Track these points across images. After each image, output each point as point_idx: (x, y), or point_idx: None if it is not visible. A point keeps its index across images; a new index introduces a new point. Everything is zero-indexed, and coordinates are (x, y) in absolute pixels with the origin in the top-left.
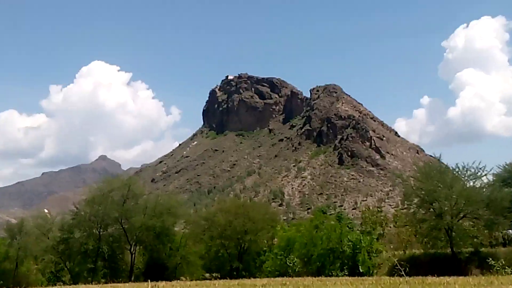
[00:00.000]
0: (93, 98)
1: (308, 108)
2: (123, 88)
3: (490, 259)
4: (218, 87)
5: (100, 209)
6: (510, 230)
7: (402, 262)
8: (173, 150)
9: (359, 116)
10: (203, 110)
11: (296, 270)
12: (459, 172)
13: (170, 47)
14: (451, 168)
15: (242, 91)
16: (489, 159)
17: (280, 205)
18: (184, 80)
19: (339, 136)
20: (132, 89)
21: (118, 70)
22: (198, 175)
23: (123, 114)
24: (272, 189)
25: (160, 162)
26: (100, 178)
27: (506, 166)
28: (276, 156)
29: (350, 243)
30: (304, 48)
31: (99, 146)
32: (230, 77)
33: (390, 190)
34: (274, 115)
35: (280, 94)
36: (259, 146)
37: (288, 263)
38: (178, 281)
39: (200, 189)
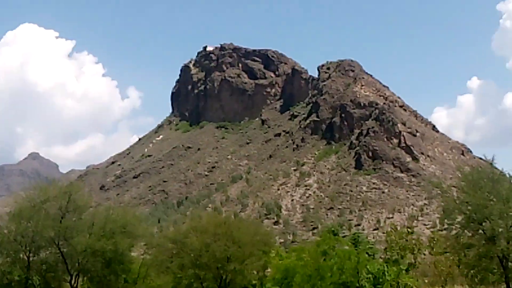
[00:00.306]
0: (21, 75)
1: (315, 91)
2: (62, 61)
3: None
4: (193, 62)
5: (29, 226)
6: None
7: None
8: (130, 146)
9: (384, 103)
10: (172, 92)
11: None
12: None
13: (128, 6)
14: (507, 176)
15: (225, 68)
16: None
17: (276, 223)
18: (147, 51)
19: (357, 131)
20: (76, 62)
21: (57, 37)
22: (164, 181)
23: (63, 97)
24: (265, 201)
25: (113, 163)
26: (30, 184)
27: None
28: (270, 156)
29: (370, 275)
30: (310, 10)
31: (28, 140)
32: (210, 49)
33: (425, 204)
34: (268, 101)
35: (277, 73)
36: (248, 143)
37: None
38: None
39: (167, 200)
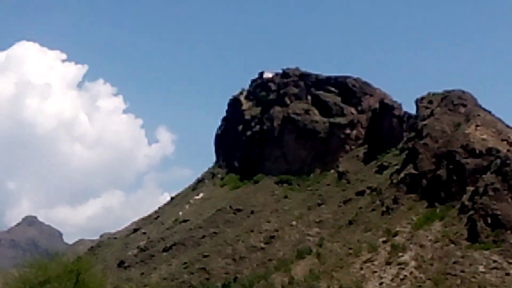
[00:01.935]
0: (15, 112)
1: (413, 134)
2: (70, 93)
3: None
4: (245, 94)
5: None
6: None
7: None
8: (159, 209)
9: (509, 150)
10: (217, 135)
11: None
12: None
13: (156, 22)
14: None
15: (289, 101)
16: None
17: None
18: (182, 79)
19: (470, 188)
20: (88, 95)
21: (64, 60)
22: (205, 256)
23: (69, 141)
24: (344, 284)
25: (136, 230)
26: (24, 259)
27: None
28: (351, 222)
29: None
30: (403, 25)
31: (23, 199)
32: (268, 75)
33: None
34: (348, 147)
35: (360, 108)
36: (320, 204)
37: None
38: None
39: (209, 283)
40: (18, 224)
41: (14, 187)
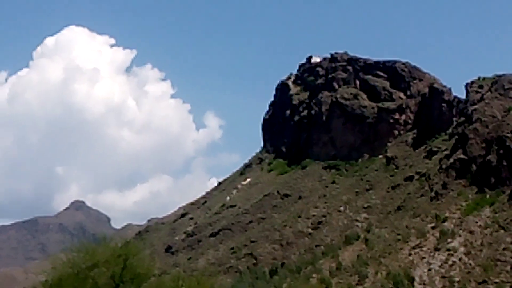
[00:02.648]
0: (64, 97)
1: (463, 119)
2: (119, 77)
3: None
4: (293, 78)
5: None
6: None
7: None
8: (207, 194)
9: None
10: (264, 120)
11: None
12: None
13: (204, 5)
14: None
15: (337, 86)
16: None
17: None
18: (230, 64)
19: None
20: (136, 79)
21: (112, 45)
22: (252, 242)
23: (118, 126)
24: (392, 270)
25: (183, 215)
26: (72, 244)
27: None
28: (399, 208)
29: None
30: (451, 7)
31: (71, 184)
32: (316, 60)
33: None
34: (397, 132)
35: (409, 93)
36: (368, 190)
37: None
38: None
39: (257, 268)
40: (67, 208)
41: (62, 172)
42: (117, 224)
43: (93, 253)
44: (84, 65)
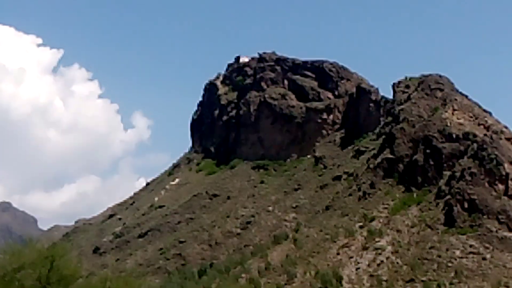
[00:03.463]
0: None
1: (390, 119)
2: (45, 77)
3: None
4: (221, 78)
5: None
6: None
7: None
8: (135, 194)
9: (485, 135)
10: (193, 120)
11: None
12: None
13: (132, 5)
14: None
15: (265, 86)
16: None
17: None
18: (158, 64)
19: (447, 173)
20: (63, 79)
21: (39, 45)
22: (181, 242)
23: (44, 126)
24: (320, 269)
25: (111, 216)
26: None
27: None
28: (327, 208)
29: None
30: (380, 6)
31: None
32: (244, 60)
33: None
34: (325, 132)
35: (336, 92)
36: (297, 189)
37: None
38: None
39: (185, 268)
40: None
41: None
42: (44, 225)
43: (19, 255)
44: (10, 65)
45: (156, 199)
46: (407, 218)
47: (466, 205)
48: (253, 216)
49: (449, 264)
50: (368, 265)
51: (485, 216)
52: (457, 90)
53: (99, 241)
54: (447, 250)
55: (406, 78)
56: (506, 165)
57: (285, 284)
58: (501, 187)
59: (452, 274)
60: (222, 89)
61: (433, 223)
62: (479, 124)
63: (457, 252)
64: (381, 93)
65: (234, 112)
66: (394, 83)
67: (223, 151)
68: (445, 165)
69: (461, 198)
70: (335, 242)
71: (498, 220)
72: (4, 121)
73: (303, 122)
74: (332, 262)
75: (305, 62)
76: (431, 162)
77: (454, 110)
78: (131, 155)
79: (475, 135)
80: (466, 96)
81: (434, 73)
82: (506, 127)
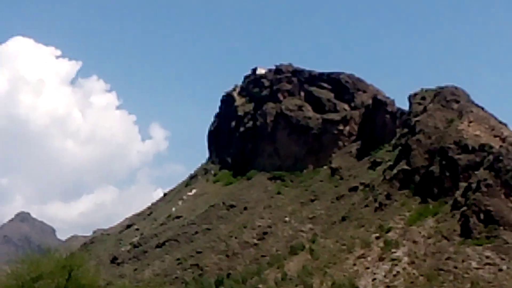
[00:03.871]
0: (8, 107)
1: (406, 130)
2: (64, 89)
3: None
4: (238, 90)
5: None
6: None
7: None
8: (153, 205)
9: (502, 146)
10: (210, 132)
11: None
12: None
13: (150, 18)
14: None
15: (282, 97)
16: None
17: None
18: (176, 76)
19: (463, 184)
20: (81, 91)
21: (58, 57)
22: (198, 252)
23: (62, 137)
24: (337, 280)
25: (129, 226)
26: (16, 255)
27: None
28: (344, 219)
29: None
30: (395, 21)
31: (16, 195)
32: (261, 71)
33: None
34: (341, 143)
35: (353, 104)
36: (313, 200)
37: None
38: None
39: (202, 279)
40: (11, 220)
41: (7, 183)
42: (62, 236)
43: (38, 264)
44: (29, 76)
45: (173, 209)
46: (423, 229)
47: (482, 217)
48: (269, 226)
49: (465, 275)
50: (385, 276)
51: (501, 227)
52: (472, 102)
53: (116, 251)
54: (463, 261)
55: (422, 90)
56: None
57: None
58: None
59: (469, 285)
60: (239, 101)
61: (449, 234)
62: (495, 136)
63: (473, 263)
64: (397, 105)
65: (251, 123)
66: (410, 95)
67: (240, 162)
68: (461, 176)
69: (477, 210)
70: (351, 253)
71: None
72: (23, 132)
73: (320, 133)
74: (349, 273)
75: (322, 74)
76: (447, 174)
77: (470, 121)
78: (148, 165)
79: (491, 147)
80: (482, 108)
81: (450, 84)
82: None
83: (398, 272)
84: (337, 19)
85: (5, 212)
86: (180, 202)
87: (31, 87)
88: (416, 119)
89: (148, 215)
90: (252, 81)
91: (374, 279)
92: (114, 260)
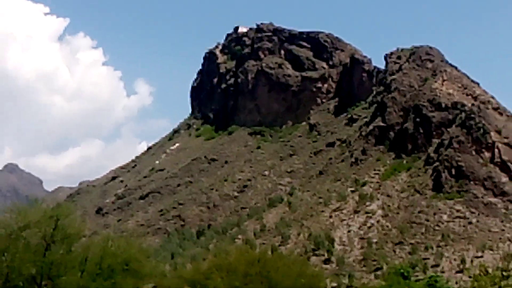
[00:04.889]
0: None
1: (382, 88)
2: (51, 45)
3: None
4: (220, 48)
5: (4, 261)
6: None
7: None
8: (137, 158)
9: (473, 104)
10: (192, 88)
11: None
12: None
13: None
14: None
15: (262, 55)
16: None
17: (327, 261)
18: (160, 33)
19: (436, 140)
20: (68, 47)
21: (46, 14)
22: (180, 204)
23: (50, 92)
24: (313, 232)
25: (113, 178)
26: (5, 205)
27: None
28: (321, 173)
29: None
30: None
31: (4, 148)
32: (242, 30)
33: None
34: (319, 100)
35: (331, 63)
36: (292, 155)
37: None
38: None
39: (184, 229)
40: (0, 171)
41: None
42: (49, 187)
43: (25, 214)
44: (18, 33)
45: (156, 162)
46: (397, 183)
47: (453, 172)
48: (249, 180)
49: (437, 228)
50: (359, 228)
51: (471, 182)
52: (447, 62)
53: (101, 202)
54: (434, 214)
55: (398, 49)
56: (492, 133)
57: (280, 245)
58: (487, 154)
59: (439, 238)
60: (221, 58)
61: (421, 188)
62: (467, 94)
63: (444, 217)
64: (374, 64)
65: (232, 80)
66: (386, 54)
67: (221, 117)
68: (434, 133)
69: (449, 165)
70: (327, 206)
71: (484, 186)
72: (11, 87)
73: (299, 90)
74: (325, 225)
75: (301, 33)
76: (421, 130)
77: (443, 80)
78: (133, 120)
79: (463, 105)
80: (456, 68)
81: (425, 44)
82: (493, 97)
83: (372, 224)
84: None
85: None
86: (163, 156)
87: (19, 44)
88: (392, 77)
89: (133, 167)
90: (234, 39)
91: (349, 231)
92: (99, 210)
